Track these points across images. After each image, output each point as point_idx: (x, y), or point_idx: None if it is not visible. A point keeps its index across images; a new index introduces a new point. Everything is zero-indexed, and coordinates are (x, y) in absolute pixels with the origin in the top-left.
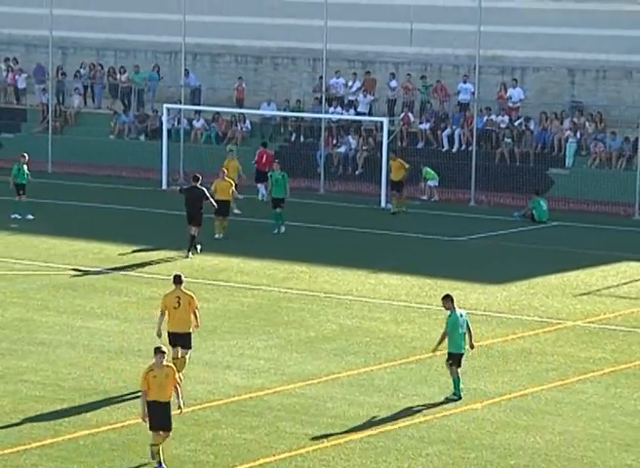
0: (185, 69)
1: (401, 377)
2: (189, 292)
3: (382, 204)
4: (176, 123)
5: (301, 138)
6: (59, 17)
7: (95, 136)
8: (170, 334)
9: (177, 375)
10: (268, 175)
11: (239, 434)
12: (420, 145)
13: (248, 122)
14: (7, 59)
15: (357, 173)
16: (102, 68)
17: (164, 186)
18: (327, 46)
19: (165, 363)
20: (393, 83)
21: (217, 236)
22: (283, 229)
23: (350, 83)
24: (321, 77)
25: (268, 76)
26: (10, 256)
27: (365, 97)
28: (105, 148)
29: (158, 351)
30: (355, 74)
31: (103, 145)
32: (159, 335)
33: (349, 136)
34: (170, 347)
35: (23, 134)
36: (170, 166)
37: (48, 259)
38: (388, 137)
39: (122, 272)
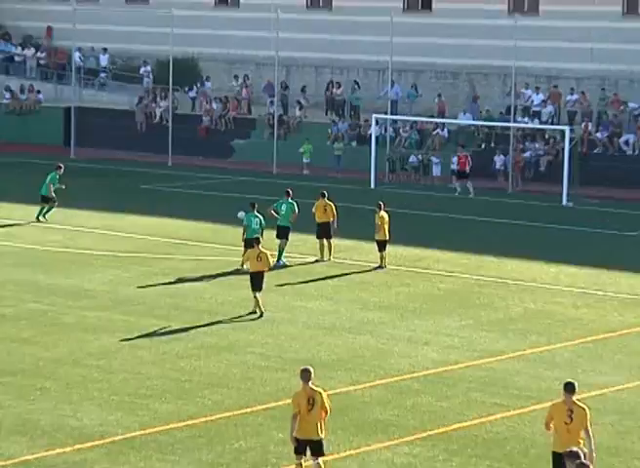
0: (392, 80)
1: (579, 355)
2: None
3: (564, 202)
4: (383, 130)
5: (492, 144)
6: (284, 39)
7: (313, 141)
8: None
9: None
10: None
11: (436, 402)
12: (599, 151)
13: (446, 130)
14: (236, 77)
15: (540, 174)
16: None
17: (372, 186)
18: (516, 63)
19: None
20: (574, 96)
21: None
22: None
23: (537, 95)
24: (509, 93)
25: (465, 90)
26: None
27: (549, 107)
28: (322, 153)
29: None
30: (537, 87)
31: (320, 150)
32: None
33: (535, 143)
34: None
35: (253, 140)
36: (377, 168)
37: (273, 249)
38: (570, 144)
39: (337, 260)
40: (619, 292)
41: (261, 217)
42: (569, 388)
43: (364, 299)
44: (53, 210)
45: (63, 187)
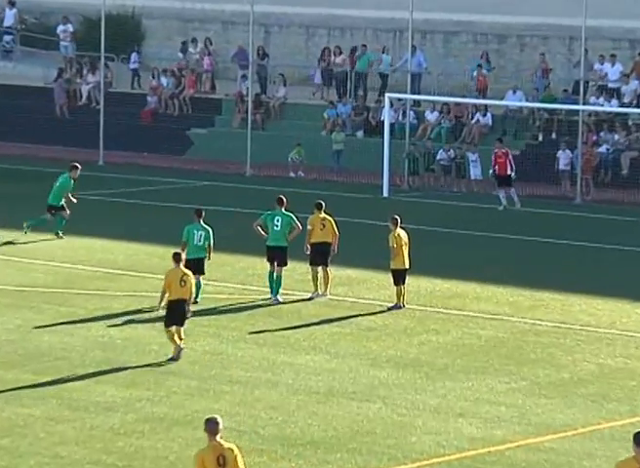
0: (413, 46)
1: None
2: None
3: None
4: (400, 116)
5: (553, 135)
6: None
7: (302, 131)
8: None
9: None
10: None
11: None
12: None
13: (489, 115)
14: (194, 41)
15: (620, 177)
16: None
17: (385, 193)
18: (586, 22)
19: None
20: None
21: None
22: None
23: (615, 66)
24: (576, 63)
25: (514, 59)
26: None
27: (633, 84)
28: (315, 147)
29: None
30: (614, 56)
31: (312, 143)
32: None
33: (613, 133)
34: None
35: (218, 129)
36: (392, 168)
37: (245, 281)
38: None
39: (334, 297)
40: None
41: (209, 231)
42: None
43: (374, 353)
44: (64, 222)
45: (74, 201)
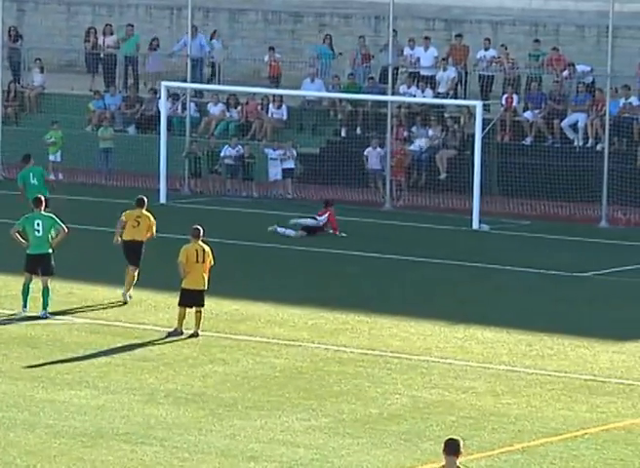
0: (193, 26)
1: None
2: None
3: (475, 224)
4: (179, 109)
5: (358, 131)
6: None
7: (64, 126)
8: None
9: None
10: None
11: None
12: (529, 141)
13: (284, 107)
14: None
15: (436, 179)
16: None
17: (162, 199)
18: None
19: None
20: (490, 52)
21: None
22: None
23: (428, 51)
24: (383, 47)
25: (312, 41)
26: None
27: (449, 71)
28: (79, 145)
29: None
30: (427, 38)
31: (76, 140)
32: None
33: (426, 129)
34: None
35: None
36: (170, 169)
37: None
38: (483, 130)
39: (102, 321)
40: (563, 369)
41: None
42: (451, 448)
43: (150, 387)
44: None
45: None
